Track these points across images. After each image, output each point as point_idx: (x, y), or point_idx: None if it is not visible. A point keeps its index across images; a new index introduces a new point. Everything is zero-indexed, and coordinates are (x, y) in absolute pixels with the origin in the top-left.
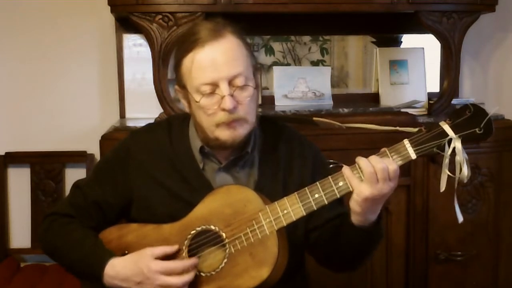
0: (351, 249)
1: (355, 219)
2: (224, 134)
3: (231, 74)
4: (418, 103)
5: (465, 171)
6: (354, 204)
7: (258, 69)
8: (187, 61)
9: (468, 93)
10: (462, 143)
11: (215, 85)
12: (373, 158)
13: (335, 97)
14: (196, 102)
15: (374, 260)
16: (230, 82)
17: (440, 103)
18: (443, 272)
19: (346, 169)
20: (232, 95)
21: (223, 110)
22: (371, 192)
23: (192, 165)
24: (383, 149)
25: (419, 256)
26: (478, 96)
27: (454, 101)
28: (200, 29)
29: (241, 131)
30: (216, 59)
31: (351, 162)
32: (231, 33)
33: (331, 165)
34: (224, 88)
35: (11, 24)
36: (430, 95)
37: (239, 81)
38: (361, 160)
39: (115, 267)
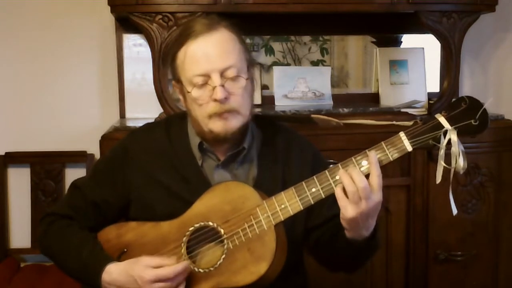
0: (346, 257)
1: (348, 234)
2: (217, 126)
3: (223, 66)
4: (418, 103)
5: (461, 162)
6: (344, 223)
7: (253, 64)
8: (180, 54)
9: (468, 93)
10: (458, 135)
11: (207, 77)
12: (356, 175)
13: (335, 97)
14: (188, 92)
15: (374, 260)
16: (222, 74)
17: (440, 103)
18: (443, 272)
19: (338, 189)
20: (223, 86)
21: (215, 100)
22: (356, 212)
23: (191, 163)
24: (379, 144)
25: (419, 256)
26: (478, 96)
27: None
28: (194, 23)
29: (234, 122)
30: (208, 51)
31: None
32: (225, 27)
33: (331, 165)
34: (215, 79)
35: (11, 24)
36: (430, 95)
37: (230, 73)
38: (344, 177)
39: (111, 274)
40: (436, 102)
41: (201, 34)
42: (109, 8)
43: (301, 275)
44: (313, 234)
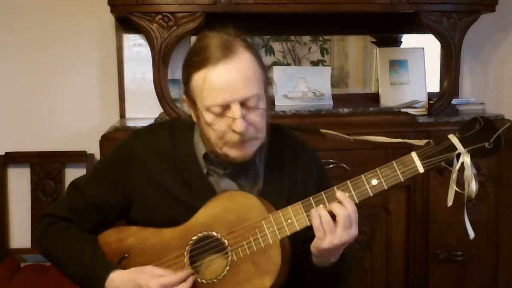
0: (314, 282)
1: (314, 259)
2: (233, 153)
3: (244, 96)
4: (418, 103)
5: (473, 186)
6: (313, 249)
7: (270, 82)
8: (198, 78)
9: (468, 93)
10: (471, 157)
11: (227, 106)
12: (335, 205)
13: (335, 97)
14: (207, 122)
15: (374, 260)
16: (242, 103)
17: (440, 103)
18: (443, 272)
19: (315, 219)
20: (244, 117)
21: (234, 131)
22: (331, 243)
23: (196, 169)
24: (390, 163)
25: (419, 256)
26: (478, 96)
27: (454, 101)
28: (211, 43)
29: (251, 149)
30: (228, 81)
31: (351, 162)
32: (244, 48)
33: (331, 165)
34: (236, 111)
35: (11, 24)
36: (430, 95)
37: (251, 102)
38: (321, 209)
39: (114, 282)
40: (436, 102)
41: (221, 60)
42: (109, 8)
43: (302, 281)
44: (307, 245)
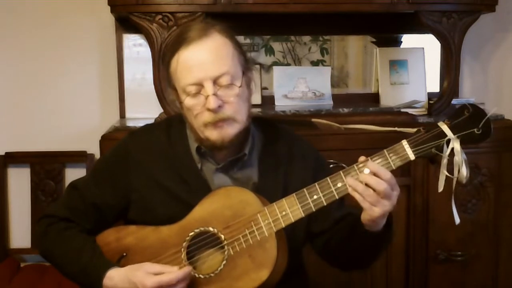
0: (364, 252)
1: (368, 226)
2: (212, 134)
3: (216, 74)
4: (418, 103)
5: (464, 171)
6: (367, 222)
7: (250, 68)
8: (173, 62)
9: (468, 93)
10: (461, 143)
11: (200, 85)
12: (383, 172)
13: (335, 97)
14: (181, 102)
15: None
16: (215, 82)
17: (440, 103)
18: (443, 272)
19: (356, 193)
20: (216, 95)
21: (208, 110)
22: (383, 210)
23: (191, 165)
24: (381, 151)
25: (419, 256)
26: (478, 96)
27: (454, 101)
28: (187, 30)
29: (230, 130)
30: (200, 59)
31: (350, 162)
32: (218, 32)
33: (331, 165)
34: (208, 88)
35: (11, 24)
36: (430, 95)
37: (224, 80)
38: (369, 178)
39: (112, 279)
40: (436, 102)
41: (193, 41)
42: (109, 8)
43: (302, 276)
44: (322, 237)
